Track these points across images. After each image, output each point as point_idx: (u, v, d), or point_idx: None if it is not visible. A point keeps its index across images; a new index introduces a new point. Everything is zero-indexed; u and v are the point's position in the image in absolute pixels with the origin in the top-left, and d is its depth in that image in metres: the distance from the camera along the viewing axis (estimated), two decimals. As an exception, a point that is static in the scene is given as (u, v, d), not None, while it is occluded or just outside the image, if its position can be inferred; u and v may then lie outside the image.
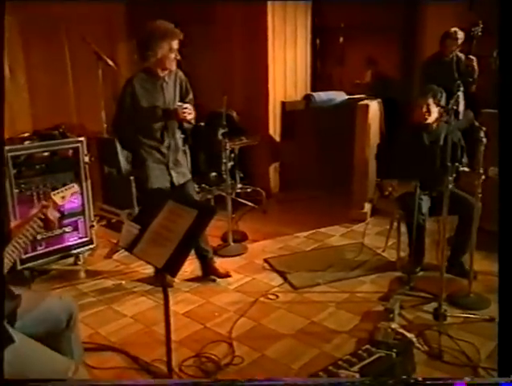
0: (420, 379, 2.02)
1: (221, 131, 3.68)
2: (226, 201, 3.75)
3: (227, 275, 3.24)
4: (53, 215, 1.80)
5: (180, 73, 3.01)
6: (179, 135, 3.07)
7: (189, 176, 3.13)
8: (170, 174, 2.99)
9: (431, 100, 3.05)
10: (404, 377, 2.13)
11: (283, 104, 5.04)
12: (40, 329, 1.74)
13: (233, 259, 3.59)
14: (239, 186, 4.64)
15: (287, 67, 5.04)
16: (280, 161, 5.16)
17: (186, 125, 3.02)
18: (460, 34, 4.03)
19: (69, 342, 1.86)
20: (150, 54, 2.77)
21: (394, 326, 2.45)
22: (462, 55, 4.15)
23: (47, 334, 1.74)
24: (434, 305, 2.71)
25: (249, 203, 4.58)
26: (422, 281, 3.06)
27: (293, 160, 5.03)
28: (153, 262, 1.99)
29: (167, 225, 1.96)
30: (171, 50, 2.78)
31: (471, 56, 3.97)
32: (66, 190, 1.95)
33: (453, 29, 4.06)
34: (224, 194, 3.92)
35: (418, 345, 2.41)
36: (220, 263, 3.35)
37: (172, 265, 1.88)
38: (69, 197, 1.95)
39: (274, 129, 5.04)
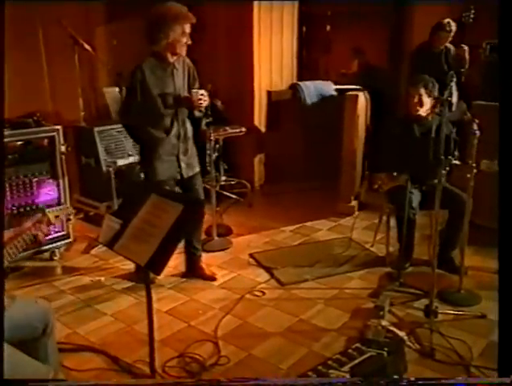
0: (412, 378, 1.96)
1: (205, 121, 3.54)
2: (210, 194, 3.64)
3: (212, 277, 3.11)
4: (45, 231, 1.87)
5: (188, 60, 2.88)
6: (189, 124, 2.93)
7: (198, 169, 3.00)
8: (179, 166, 2.86)
9: (422, 91, 2.98)
10: (396, 377, 2.08)
11: (269, 93, 4.94)
12: (15, 335, 1.66)
13: (217, 254, 3.50)
14: (223, 178, 4.53)
15: (273, 55, 4.93)
16: (265, 152, 5.06)
17: (197, 113, 2.89)
18: (453, 26, 3.91)
19: (45, 349, 1.80)
20: (161, 36, 2.65)
21: (384, 323, 2.40)
22: (451, 46, 4.07)
23: (21, 341, 1.68)
24: (424, 301, 2.67)
25: (234, 196, 4.48)
26: (411, 277, 3.01)
27: (279, 151, 4.92)
28: (135, 259, 1.89)
29: (151, 220, 1.86)
30: (183, 34, 2.67)
31: (463, 46, 3.87)
32: (60, 209, 2.01)
33: (446, 20, 3.92)
34: (208, 186, 3.80)
35: (409, 343, 2.36)
36: (204, 258, 3.24)
37: (156, 263, 1.78)
38: (63, 217, 2.04)
39: (260, 119, 4.94)
